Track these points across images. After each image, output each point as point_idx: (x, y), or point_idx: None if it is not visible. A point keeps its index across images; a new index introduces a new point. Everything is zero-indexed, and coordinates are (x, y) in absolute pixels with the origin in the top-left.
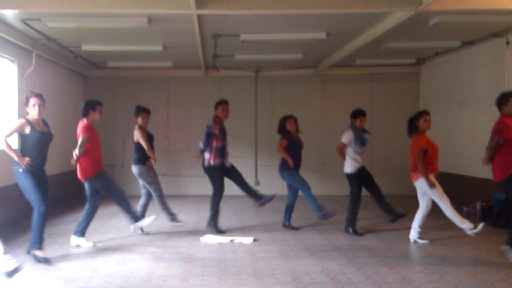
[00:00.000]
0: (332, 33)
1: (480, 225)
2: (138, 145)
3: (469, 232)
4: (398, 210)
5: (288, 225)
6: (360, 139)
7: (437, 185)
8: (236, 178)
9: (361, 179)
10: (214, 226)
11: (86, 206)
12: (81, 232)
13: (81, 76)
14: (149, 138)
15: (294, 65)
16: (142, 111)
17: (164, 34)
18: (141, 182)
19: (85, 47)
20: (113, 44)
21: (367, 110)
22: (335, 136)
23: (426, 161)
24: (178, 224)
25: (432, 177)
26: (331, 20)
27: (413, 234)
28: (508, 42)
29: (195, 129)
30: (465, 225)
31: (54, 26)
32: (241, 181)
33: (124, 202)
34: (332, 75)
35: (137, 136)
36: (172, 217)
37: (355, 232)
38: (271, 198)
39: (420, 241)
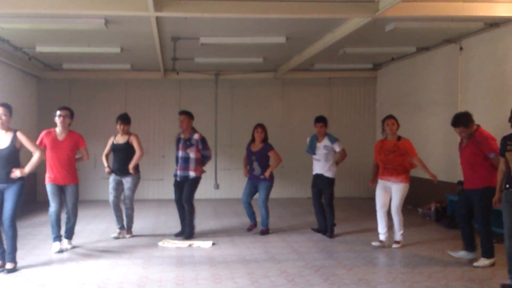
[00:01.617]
0: (291, 37)
1: (376, 244)
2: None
3: (398, 243)
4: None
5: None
6: (308, 147)
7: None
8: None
9: (313, 184)
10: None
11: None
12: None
13: (35, 78)
14: (116, 147)
15: (254, 68)
16: (118, 118)
17: (121, 36)
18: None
19: (40, 49)
20: (69, 45)
21: (326, 114)
22: (295, 140)
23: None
24: (128, 235)
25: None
26: (291, 25)
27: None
28: (461, 48)
29: (153, 132)
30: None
31: (8, 27)
32: (178, 201)
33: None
34: (292, 79)
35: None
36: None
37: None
38: (182, 233)
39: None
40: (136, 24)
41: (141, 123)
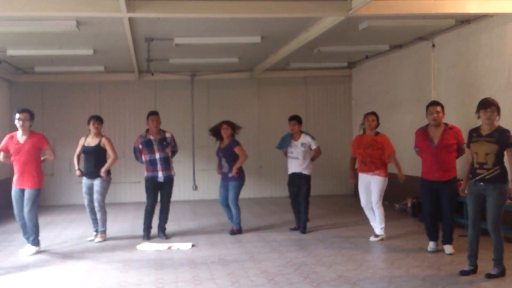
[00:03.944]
0: (266, 37)
1: (374, 239)
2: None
3: (377, 237)
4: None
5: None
6: (281, 143)
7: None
8: (161, 198)
9: (291, 183)
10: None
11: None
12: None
13: (7, 82)
14: (86, 150)
15: (230, 68)
16: (92, 117)
17: (94, 37)
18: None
19: (11, 52)
20: (40, 48)
21: (303, 112)
22: (272, 139)
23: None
24: (99, 239)
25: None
26: (265, 24)
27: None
28: (433, 45)
29: (129, 134)
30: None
31: None
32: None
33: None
34: (267, 79)
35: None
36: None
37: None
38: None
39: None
40: (108, 25)
41: (116, 125)
